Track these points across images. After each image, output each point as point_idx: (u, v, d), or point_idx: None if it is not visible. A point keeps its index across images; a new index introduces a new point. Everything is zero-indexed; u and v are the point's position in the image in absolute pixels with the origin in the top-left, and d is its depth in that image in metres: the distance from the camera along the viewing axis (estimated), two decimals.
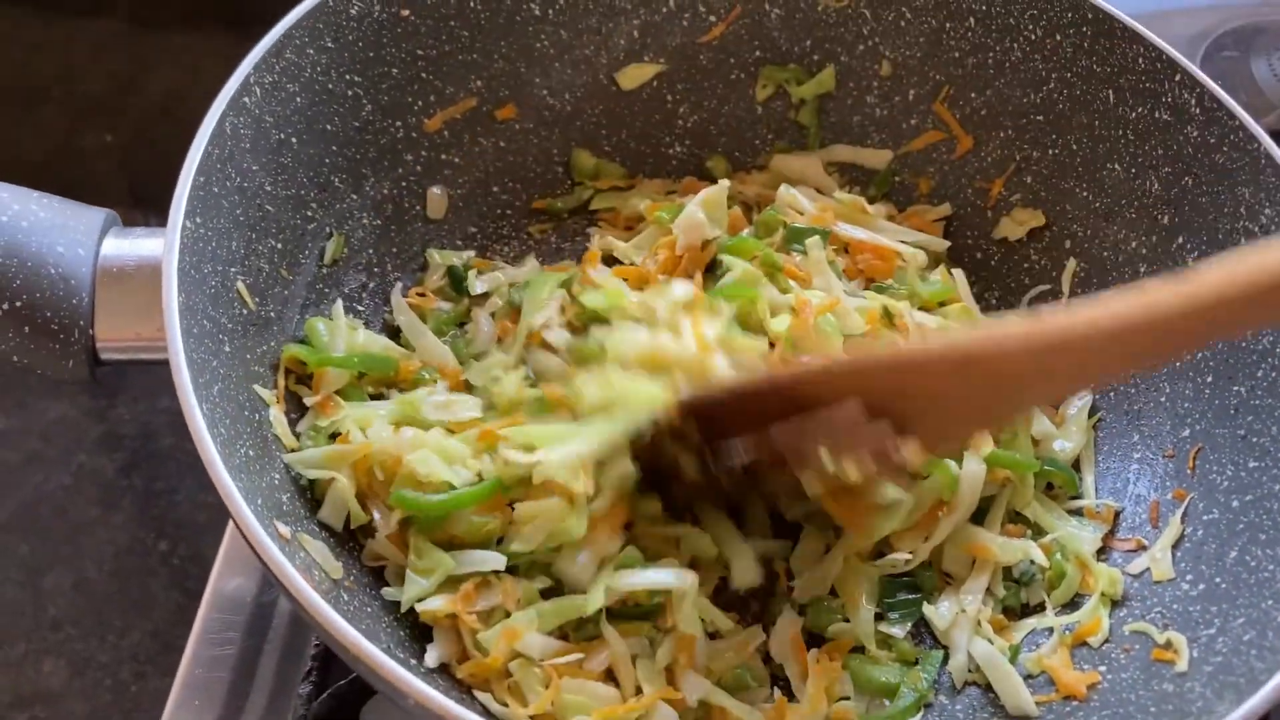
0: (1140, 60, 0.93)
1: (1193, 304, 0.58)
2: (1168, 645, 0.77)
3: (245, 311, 0.81)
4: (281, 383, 0.82)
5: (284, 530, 0.70)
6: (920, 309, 0.96)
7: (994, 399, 0.68)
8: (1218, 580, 0.78)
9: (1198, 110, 0.90)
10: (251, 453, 0.74)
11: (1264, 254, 0.56)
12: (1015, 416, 0.79)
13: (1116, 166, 0.96)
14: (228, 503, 0.64)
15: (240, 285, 0.80)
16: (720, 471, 0.79)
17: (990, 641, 0.82)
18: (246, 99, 0.82)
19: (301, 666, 0.88)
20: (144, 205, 1.48)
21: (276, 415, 0.78)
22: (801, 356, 0.84)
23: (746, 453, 0.77)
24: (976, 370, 0.66)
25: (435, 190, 1.01)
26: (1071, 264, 1.00)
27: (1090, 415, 0.95)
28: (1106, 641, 0.80)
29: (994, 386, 0.66)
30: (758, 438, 0.75)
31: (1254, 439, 0.82)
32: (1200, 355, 0.89)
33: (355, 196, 0.94)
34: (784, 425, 0.73)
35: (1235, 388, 0.85)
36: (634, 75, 1.06)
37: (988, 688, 0.82)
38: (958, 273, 1.00)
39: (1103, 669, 0.79)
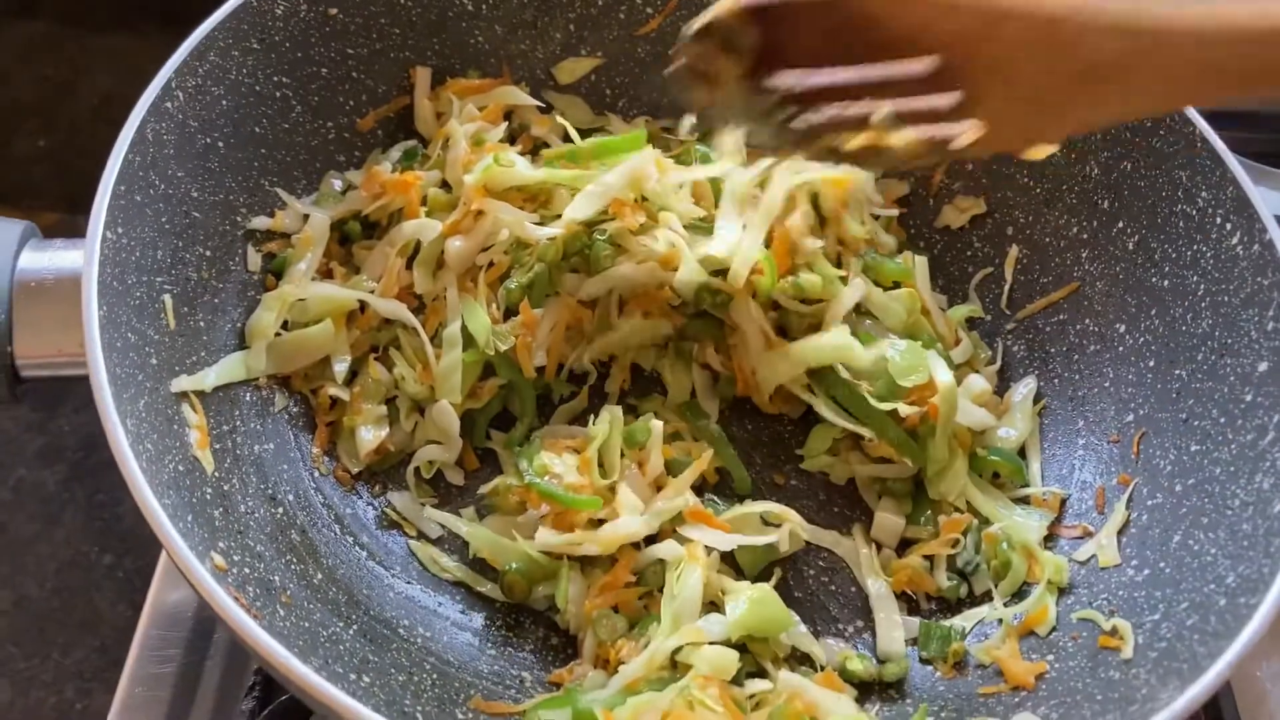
0: None
1: None
2: (1114, 632, 0.76)
3: (173, 323, 0.79)
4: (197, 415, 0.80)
5: (219, 560, 0.68)
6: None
7: (1067, 86, 0.62)
8: (1162, 565, 0.78)
9: None
10: (181, 467, 0.73)
11: None
12: (1081, 121, 0.68)
13: (1056, 152, 0.96)
14: (151, 521, 0.62)
15: (166, 298, 0.78)
16: (760, 94, 0.69)
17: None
18: (169, 104, 0.80)
19: (244, 682, 0.86)
20: (81, 211, 1.45)
21: (197, 438, 0.76)
22: None
23: (799, 82, 0.67)
24: (1059, 37, 0.60)
25: None
26: (1014, 250, 1.00)
27: (1035, 402, 0.95)
28: (1054, 630, 0.80)
29: (1071, 67, 0.61)
30: (817, 72, 0.67)
31: (1195, 422, 0.82)
32: (1141, 340, 0.89)
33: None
34: (850, 68, 0.65)
35: (1176, 371, 0.86)
36: (571, 69, 1.05)
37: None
38: (920, 260, 0.99)
39: (1050, 658, 0.79)
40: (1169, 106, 0.71)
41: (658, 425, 0.84)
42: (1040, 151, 0.71)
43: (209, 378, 0.80)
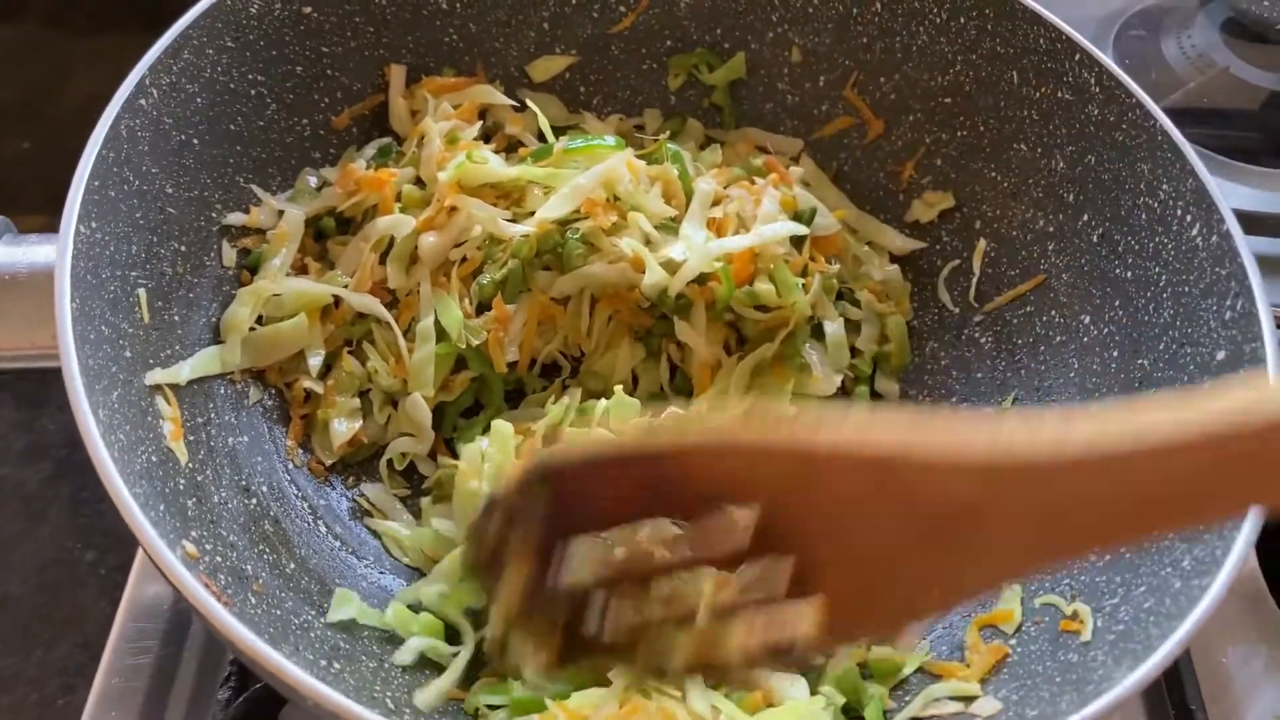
0: (1041, 41, 0.94)
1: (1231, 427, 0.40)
2: (1074, 616, 0.78)
3: (147, 317, 0.80)
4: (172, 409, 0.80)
5: (191, 549, 0.69)
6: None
7: (915, 546, 0.48)
8: (1123, 551, 0.79)
9: (1097, 89, 0.91)
10: (154, 458, 0.73)
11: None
12: (950, 592, 0.50)
13: (1023, 146, 0.97)
14: (120, 508, 0.63)
15: (141, 292, 0.79)
16: (556, 593, 0.54)
17: None
18: (143, 101, 0.81)
19: (220, 672, 0.87)
20: None
21: (170, 429, 0.77)
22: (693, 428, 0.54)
23: (598, 565, 0.54)
24: (892, 485, 0.47)
25: None
26: (981, 244, 1.01)
27: (1005, 394, 0.96)
28: (1019, 629, 0.81)
29: (913, 522, 0.47)
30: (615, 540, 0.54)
31: None
32: (1106, 330, 0.90)
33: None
34: (658, 547, 0.53)
35: (1139, 361, 0.87)
36: (545, 68, 1.06)
37: None
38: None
39: (1013, 642, 0.80)
40: (1067, 556, 0.53)
41: (604, 402, 0.85)
42: (907, 642, 0.61)
43: (183, 371, 0.81)
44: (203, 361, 0.83)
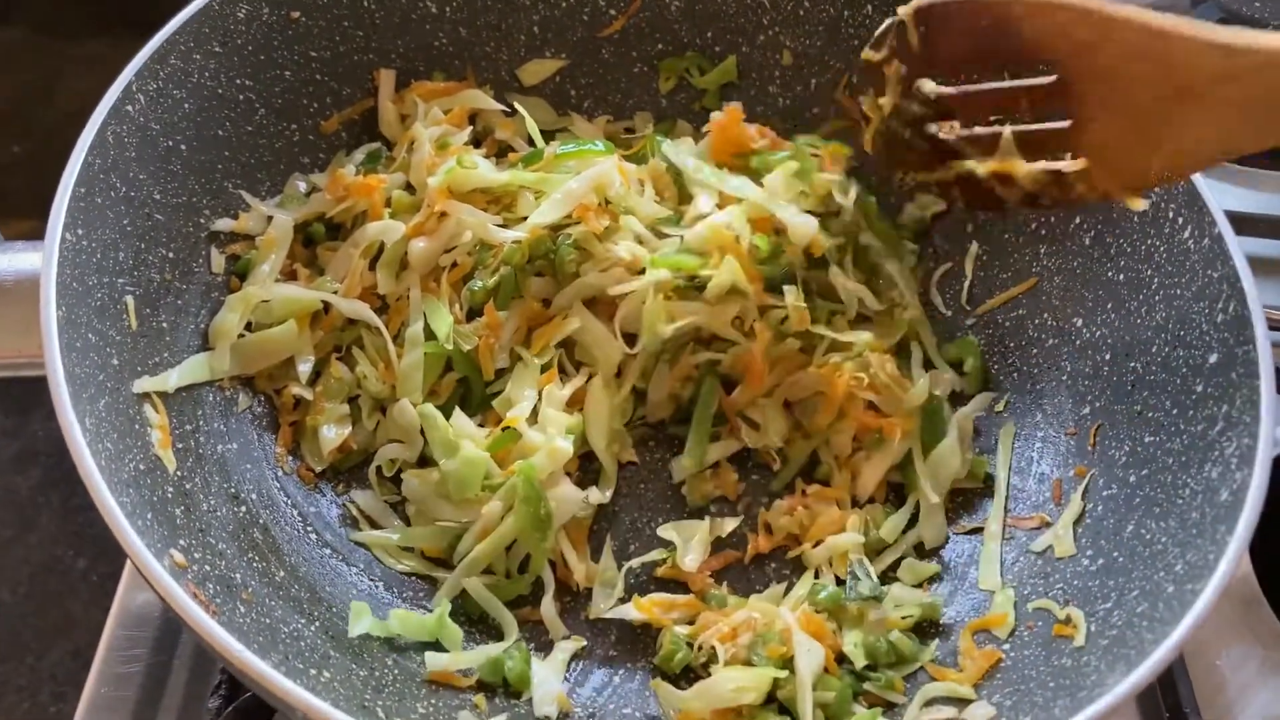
0: None
1: None
2: (1068, 621, 0.77)
3: (135, 324, 0.79)
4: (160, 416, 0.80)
5: (179, 558, 0.69)
6: None
7: (1165, 106, 0.66)
8: (1115, 555, 0.79)
9: None
10: (142, 466, 0.73)
11: None
12: (1177, 153, 0.70)
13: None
14: (106, 517, 0.63)
15: (129, 299, 0.79)
16: (909, 105, 0.83)
17: None
18: (129, 107, 0.81)
19: (211, 680, 0.86)
20: None
21: (159, 437, 0.76)
22: None
23: (941, 90, 0.80)
24: (1160, 49, 0.65)
25: None
26: (974, 247, 1.01)
27: (997, 397, 0.96)
28: (1012, 633, 0.81)
29: (1170, 83, 0.65)
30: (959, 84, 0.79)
31: (1149, 414, 0.83)
32: (1098, 333, 0.90)
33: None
34: (985, 84, 0.77)
35: (1131, 364, 0.87)
36: (535, 71, 1.06)
37: None
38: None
39: (1006, 647, 0.80)
40: (1268, 139, 0.66)
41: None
42: (1138, 202, 0.77)
43: (172, 378, 0.81)
44: (191, 369, 0.83)
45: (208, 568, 0.72)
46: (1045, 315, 0.95)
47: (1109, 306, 0.90)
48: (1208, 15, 1.34)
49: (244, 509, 0.81)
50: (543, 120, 1.04)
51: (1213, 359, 0.80)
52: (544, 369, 0.89)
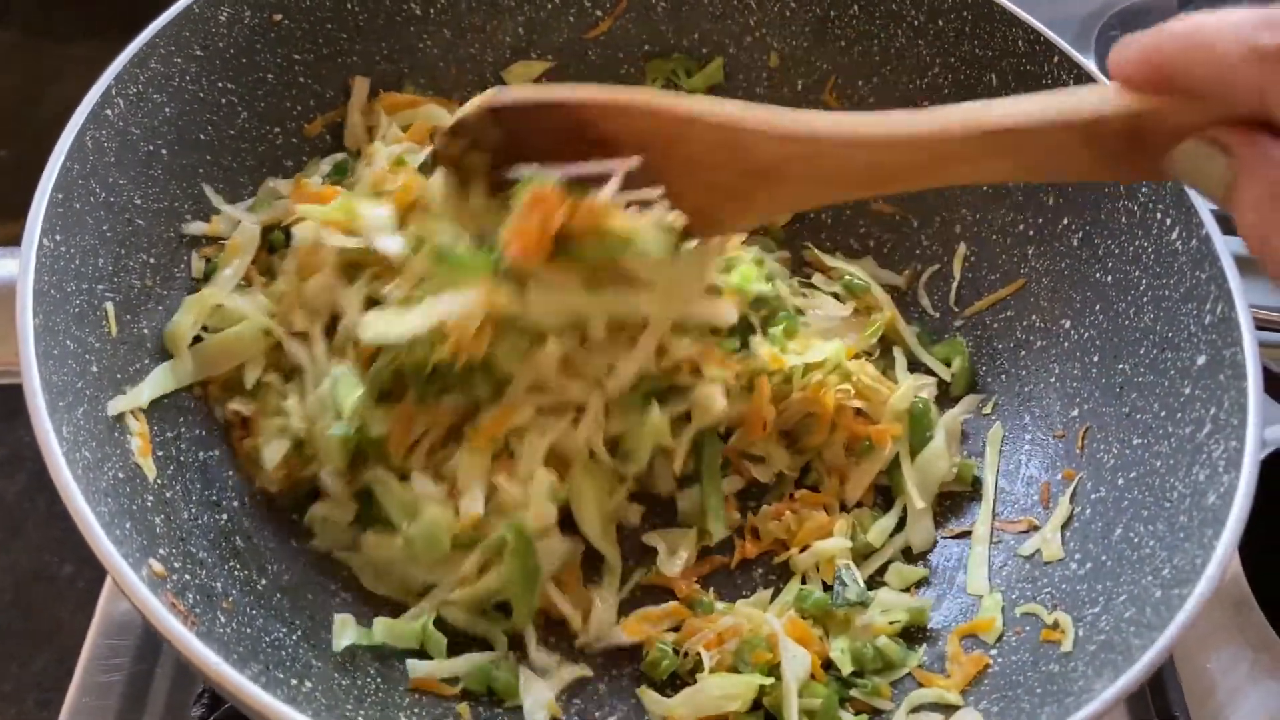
0: (1020, 43, 0.93)
1: (931, 134, 0.64)
2: (1055, 626, 0.77)
3: (114, 331, 0.78)
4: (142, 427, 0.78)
5: (158, 567, 0.68)
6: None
7: (743, 181, 0.72)
8: (1104, 559, 0.79)
9: None
10: (121, 474, 0.72)
11: (1003, 106, 0.62)
12: (762, 209, 0.77)
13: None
14: (81, 527, 0.62)
15: (108, 306, 0.78)
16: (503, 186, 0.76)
17: None
18: (109, 111, 0.80)
19: (193, 689, 0.86)
20: None
21: (139, 445, 0.76)
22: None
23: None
24: (734, 141, 0.70)
25: None
26: (961, 248, 1.00)
27: (985, 398, 0.96)
28: (1000, 639, 0.81)
29: (745, 166, 0.71)
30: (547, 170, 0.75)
31: (1137, 416, 0.83)
32: (1086, 335, 0.90)
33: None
34: (576, 164, 0.74)
35: (1120, 366, 0.86)
36: (521, 73, 1.05)
37: None
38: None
39: (994, 652, 0.79)
40: (829, 199, 0.77)
41: None
42: (732, 233, 0.84)
43: (143, 394, 0.78)
44: (159, 380, 0.80)
45: (188, 577, 0.71)
46: (1033, 317, 0.95)
47: (1097, 308, 0.89)
48: None
49: (225, 517, 0.80)
50: None
51: (1200, 361, 0.79)
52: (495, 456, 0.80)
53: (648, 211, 0.74)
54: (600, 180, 0.73)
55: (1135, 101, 0.58)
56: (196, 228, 0.88)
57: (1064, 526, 0.84)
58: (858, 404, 0.89)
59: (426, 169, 0.84)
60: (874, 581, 0.87)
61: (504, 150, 0.78)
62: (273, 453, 0.82)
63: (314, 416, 0.81)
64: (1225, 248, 0.80)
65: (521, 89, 0.81)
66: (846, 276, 1.00)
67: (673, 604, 0.83)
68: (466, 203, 0.80)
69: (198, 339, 0.84)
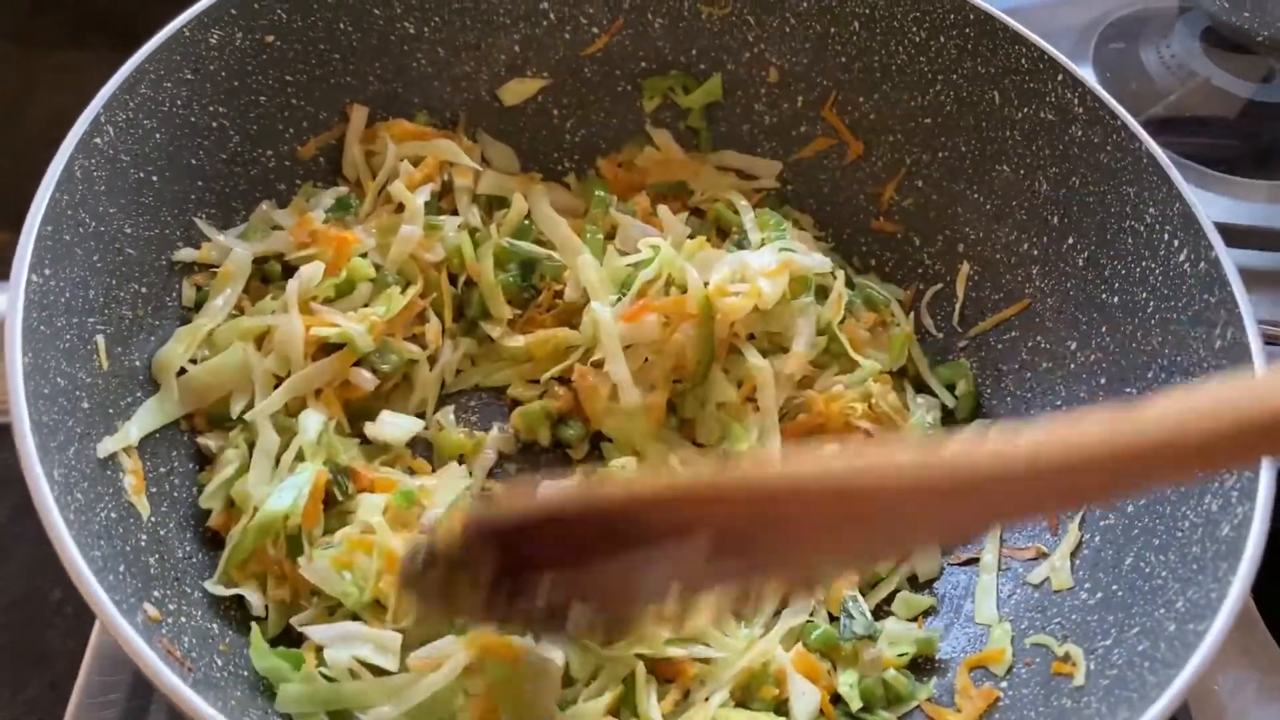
0: (1023, 60, 0.92)
1: (1134, 443, 0.50)
2: (1066, 658, 0.76)
3: (105, 364, 0.77)
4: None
5: (152, 612, 0.66)
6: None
7: (874, 538, 0.57)
8: (1114, 588, 0.78)
9: (1080, 110, 0.89)
10: (114, 514, 0.71)
11: (1220, 392, 0.49)
12: (903, 553, 0.68)
13: (1005, 168, 0.95)
14: (76, 581, 0.60)
15: (99, 339, 0.76)
16: (516, 612, 0.62)
17: None
18: (98, 139, 0.78)
19: None
20: None
21: (132, 483, 0.74)
22: (641, 481, 0.65)
23: (556, 592, 0.59)
24: (854, 506, 0.54)
25: None
26: (965, 267, 0.99)
27: (991, 423, 0.95)
28: (1010, 670, 0.79)
29: (874, 524, 0.55)
30: (574, 574, 0.59)
31: None
32: (1093, 357, 0.89)
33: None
34: (609, 563, 0.57)
35: (1127, 389, 0.85)
36: (517, 91, 1.04)
37: None
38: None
39: (1004, 685, 0.78)
40: (992, 525, 0.73)
41: None
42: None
43: (132, 432, 0.76)
44: (147, 417, 0.78)
45: (183, 619, 0.70)
46: (1038, 338, 0.94)
47: (1104, 330, 0.88)
48: (1194, 23, 1.33)
49: (220, 552, 0.79)
50: (506, 167, 1.03)
51: None
52: None
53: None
54: (665, 576, 0.56)
55: None
56: (187, 254, 0.86)
57: (1073, 554, 0.83)
58: (866, 426, 0.88)
59: None
60: (880, 610, 0.86)
61: (509, 563, 0.60)
62: (209, 500, 0.80)
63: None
64: (1235, 272, 0.79)
65: (517, 505, 0.61)
66: (867, 290, 0.98)
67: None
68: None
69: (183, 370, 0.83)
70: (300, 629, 0.75)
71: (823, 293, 0.94)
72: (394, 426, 0.86)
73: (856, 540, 0.56)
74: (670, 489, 0.57)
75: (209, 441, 0.83)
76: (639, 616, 0.61)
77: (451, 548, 0.60)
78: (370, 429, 0.86)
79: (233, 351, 0.83)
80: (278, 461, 0.81)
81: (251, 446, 0.82)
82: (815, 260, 0.92)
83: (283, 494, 0.76)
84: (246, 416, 0.82)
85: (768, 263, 0.90)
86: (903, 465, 0.53)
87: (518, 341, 0.93)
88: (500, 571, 0.59)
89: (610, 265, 0.93)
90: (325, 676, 0.71)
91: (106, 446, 0.74)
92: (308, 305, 0.86)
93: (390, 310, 0.87)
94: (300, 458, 0.80)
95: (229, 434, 0.83)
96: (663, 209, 0.99)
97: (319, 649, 0.73)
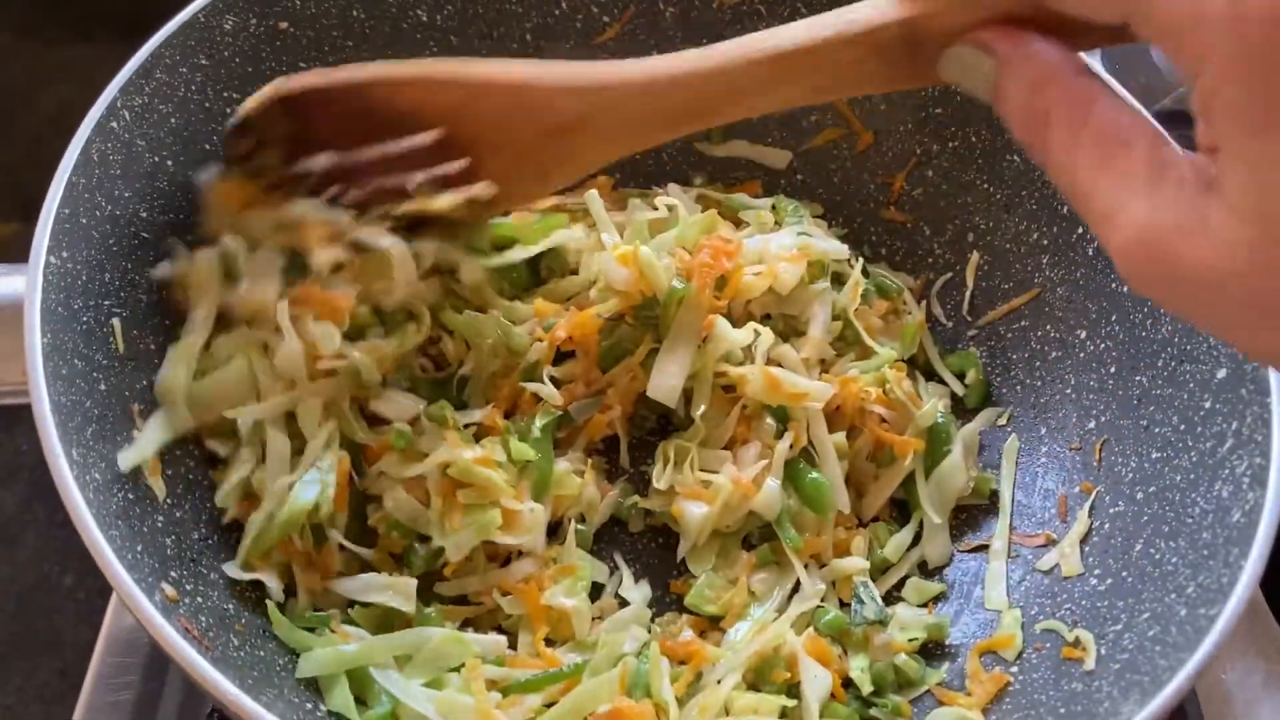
0: None
1: (720, 66, 0.66)
2: (1076, 643, 0.76)
3: (122, 347, 0.77)
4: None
5: (170, 591, 0.67)
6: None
7: (544, 142, 0.73)
8: (1124, 575, 0.78)
9: None
10: (131, 495, 0.71)
11: (785, 31, 0.64)
12: (567, 170, 0.77)
13: (1015, 157, 0.95)
14: (96, 558, 0.61)
15: (115, 322, 0.77)
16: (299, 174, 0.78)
17: None
18: (114, 124, 0.79)
19: (203, 709, 0.85)
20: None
21: (149, 464, 0.74)
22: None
23: (332, 162, 0.77)
24: (527, 102, 0.72)
25: None
26: (975, 257, 0.99)
27: (1001, 411, 0.95)
28: (1020, 655, 0.80)
29: (541, 126, 0.72)
30: (344, 157, 0.77)
31: (1155, 429, 0.82)
32: (1103, 346, 0.89)
33: None
34: (371, 146, 0.75)
35: (1137, 378, 0.85)
36: None
37: None
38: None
39: (1015, 669, 0.79)
40: (635, 148, 0.77)
41: None
42: (540, 198, 0.87)
43: (147, 450, 0.75)
44: (155, 433, 0.76)
45: (200, 600, 0.70)
46: (1048, 327, 0.94)
47: (1114, 319, 0.89)
48: None
49: (235, 535, 0.79)
50: None
51: (1221, 374, 0.78)
52: None
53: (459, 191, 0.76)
54: (402, 164, 0.73)
55: (908, 7, 0.59)
56: (164, 269, 0.82)
57: (1083, 541, 0.83)
58: (881, 411, 0.89)
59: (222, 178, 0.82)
60: (891, 596, 0.86)
61: (297, 142, 0.77)
62: (225, 500, 0.79)
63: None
64: None
65: (309, 74, 0.77)
66: (880, 278, 0.99)
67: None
68: (262, 210, 0.80)
69: None
70: (327, 586, 0.78)
71: (839, 280, 0.95)
72: (398, 406, 0.85)
73: (535, 139, 0.73)
74: (421, 70, 0.75)
75: (218, 446, 0.82)
76: (392, 202, 0.78)
77: (253, 112, 0.76)
78: (375, 406, 0.85)
79: (237, 365, 0.81)
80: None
81: (264, 446, 0.80)
82: (833, 245, 0.93)
83: (308, 487, 0.77)
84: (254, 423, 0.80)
85: (787, 245, 0.90)
86: (555, 70, 0.72)
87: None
88: (292, 142, 0.77)
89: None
90: None
91: (128, 460, 0.72)
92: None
93: (404, 345, 0.86)
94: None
95: (238, 438, 0.81)
96: (672, 186, 1.00)
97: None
